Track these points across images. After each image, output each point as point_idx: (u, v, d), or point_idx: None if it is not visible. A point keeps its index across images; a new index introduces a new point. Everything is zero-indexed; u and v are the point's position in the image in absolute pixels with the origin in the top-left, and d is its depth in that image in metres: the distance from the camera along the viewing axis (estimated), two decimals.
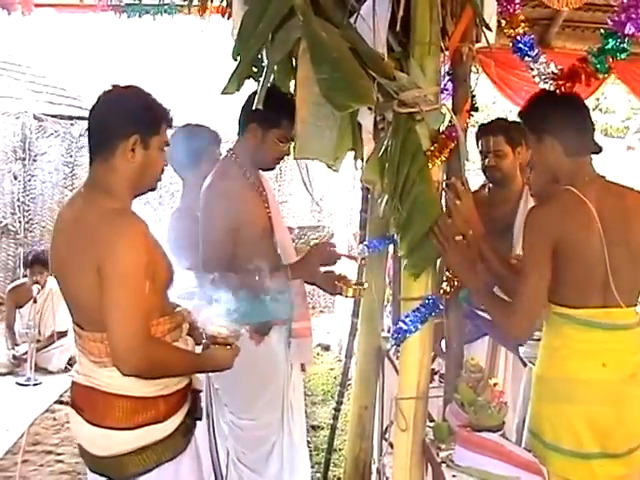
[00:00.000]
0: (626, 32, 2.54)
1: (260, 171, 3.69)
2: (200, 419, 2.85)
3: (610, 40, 2.58)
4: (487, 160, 4.26)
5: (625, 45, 2.58)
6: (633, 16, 2.49)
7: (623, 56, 2.62)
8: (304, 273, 3.58)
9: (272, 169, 3.77)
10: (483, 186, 4.49)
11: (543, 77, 2.77)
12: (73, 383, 2.70)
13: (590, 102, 9.54)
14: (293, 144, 2.65)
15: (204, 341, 2.74)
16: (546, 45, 5.36)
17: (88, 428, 2.58)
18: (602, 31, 2.63)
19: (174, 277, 2.72)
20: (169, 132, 2.70)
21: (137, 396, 2.53)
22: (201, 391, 2.85)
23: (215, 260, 3.43)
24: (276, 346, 3.61)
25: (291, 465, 3.74)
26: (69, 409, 2.71)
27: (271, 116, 3.42)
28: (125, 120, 2.53)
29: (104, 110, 2.56)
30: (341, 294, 3.58)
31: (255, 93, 3.26)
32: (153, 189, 2.72)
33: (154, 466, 2.56)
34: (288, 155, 3.60)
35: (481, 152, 4.31)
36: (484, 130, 4.32)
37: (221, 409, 3.67)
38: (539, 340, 3.20)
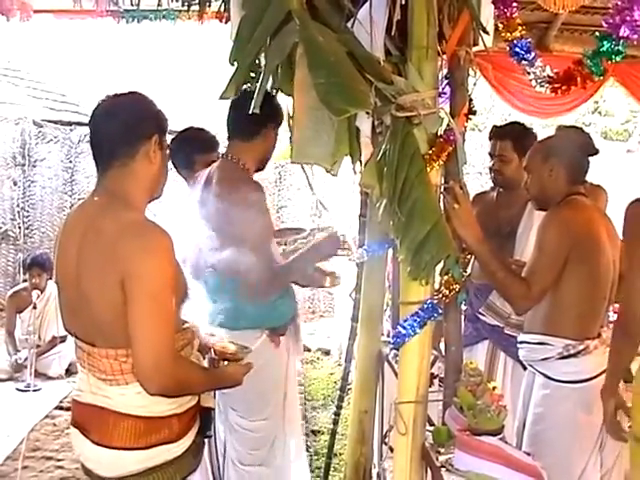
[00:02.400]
0: (620, 34, 2.54)
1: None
2: (210, 436, 2.83)
3: (605, 42, 2.58)
4: (493, 163, 4.26)
5: (620, 47, 2.57)
6: (627, 18, 2.49)
7: (618, 58, 2.61)
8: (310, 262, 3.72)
9: (262, 169, 3.79)
10: (493, 188, 4.49)
11: (539, 80, 2.77)
12: (76, 402, 2.60)
13: (589, 105, 9.58)
14: (291, 148, 2.65)
15: (210, 356, 2.72)
16: (545, 48, 5.37)
17: (94, 449, 2.48)
18: (597, 34, 2.64)
19: (188, 292, 2.67)
20: (169, 136, 2.68)
21: (150, 416, 2.44)
22: (213, 409, 2.80)
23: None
24: (284, 345, 3.72)
25: (290, 450, 3.88)
26: (72, 429, 2.60)
27: (277, 114, 3.53)
28: (145, 120, 2.49)
29: (120, 114, 2.47)
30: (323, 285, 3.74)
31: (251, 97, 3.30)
32: (160, 196, 2.66)
33: None
34: None
35: (489, 154, 4.31)
36: (494, 133, 4.33)
37: (221, 415, 3.69)
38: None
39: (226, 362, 2.69)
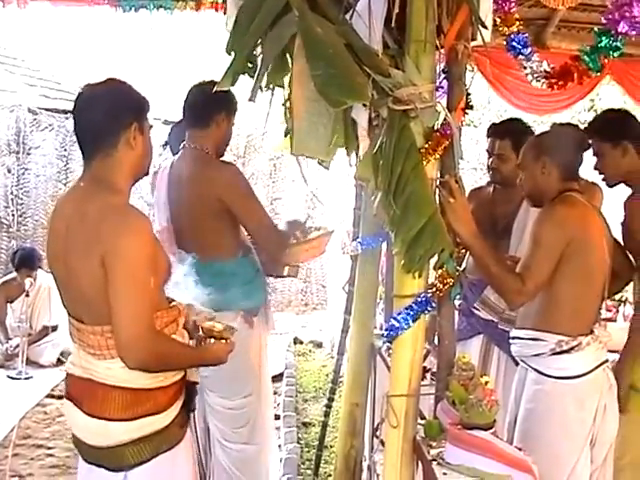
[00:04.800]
0: (619, 30, 2.54)
1: None
2: (194, 410, 2.90)
3: (603, 38, 2.58)
4: (491, 161, 4.25)
5: (618, 43, 2.57)
6: (626, 14, 2.49)
7: (616, 54, 2.61)
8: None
9: (222, 156, 3.93)
10: (489, 183, 4.48)
11: (535, 75, 2.77)
12: (69, 375, 2.72)
13: (585, 103, 9.57)
14: (290, 140, 2.65)
15: (197, 334, 2.80)
16: (542, 45, 5.36)
17: (86, 419, 2.59)
18: (595, 29, 2.63)
19: (171, 272, 2.80)
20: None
21: (136, 388, 2.55)
22: (197, 383, 2.88)
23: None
24: (257, 324, 3.86)
25: (267, 424, 4.07)
26: (65, 401, 2.73)
27: (235, 102, 3.75)
28: (122, 110, 2.58)
29: (97, 106, 2.58)
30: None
31: (207, 84, 3.59)
32: (147, 174, 2.80)
33: (151, 457, 2.59)
34: None
35: (487, 151, 4.30)
36: (493, 131, 4.30)
37: (201, 397, 3.78)
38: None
39: (212, 340, 2.78)
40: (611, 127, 3.68)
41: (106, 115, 2.56)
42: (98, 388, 2.57)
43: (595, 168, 3.71)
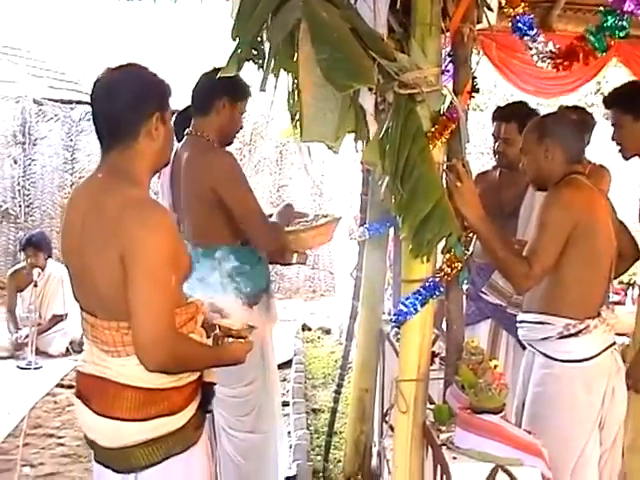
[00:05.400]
0: (625, 9, 2.52)
1: None
2: (211, 412, 2.81)
3: (609, 18, 2.55)
4: (497, 144, 4.24)
5: (624, 23, 2.55)
6: None
7: (622, 34, 2.59)
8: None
9: (230, 144, 3.89)
10: (495, 167, 4.47)
11: (541, 56, 2.75)
12: (79, 373, 2.60)
13: (592, 86, 9.53)
14: (300, 126, 2.64)
15: (214, 333, 2.68)
16: (547, 28, 5.32)
17: (96, 419, 2.48)
18: (601, 8, 2.61)
19: (192, 267, 2.68)
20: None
21: (150, 387, 2.43)
22: (214, 383, 2.74)
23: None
24: (259, 311, 3.81)
25: (275, 412, 4.04)
26: (75, 400, 2.61)
27: (240, 88, 3.69)
28: (144, 100, 2.42)
29: (117, 95, 2.40)
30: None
31: (214, 71, 3.43)
32: (168, 164, 2.74)
33: (162, 458, 2.47)
34: (242, 128, 3.87)
35: (493, 135, 4.29)
36: (499, 114, 4.31)
37: None
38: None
39: (230, 339, 2.66)
40: (635, 99, 3.63)
41: (127, 105, 2.39)
42: (110, 386, 2.44)
43: (612, 139, 3.67)
